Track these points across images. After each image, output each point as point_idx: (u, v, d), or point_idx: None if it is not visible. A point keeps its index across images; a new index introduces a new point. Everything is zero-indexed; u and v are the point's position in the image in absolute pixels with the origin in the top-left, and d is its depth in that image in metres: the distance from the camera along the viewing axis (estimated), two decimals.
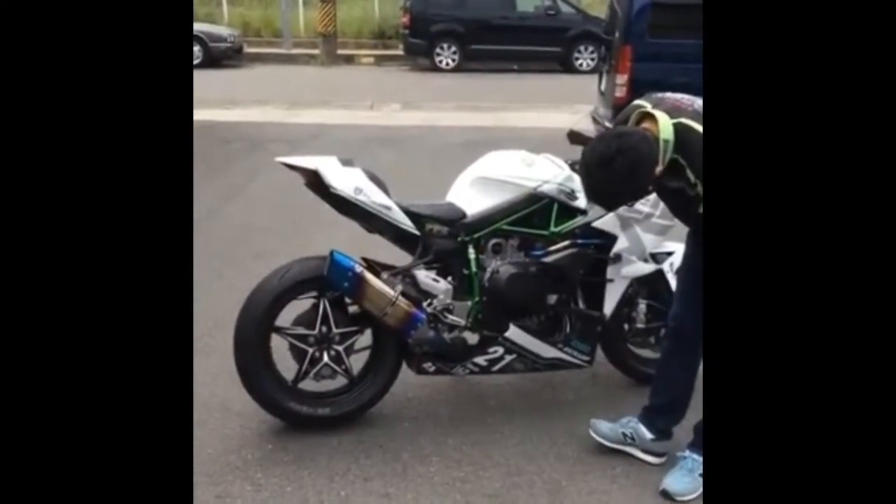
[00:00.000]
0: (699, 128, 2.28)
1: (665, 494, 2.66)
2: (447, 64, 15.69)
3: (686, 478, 2.68)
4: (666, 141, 2.31)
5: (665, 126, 2.32)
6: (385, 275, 2.93)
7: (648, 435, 2.82)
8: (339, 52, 17.04)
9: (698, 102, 2.37)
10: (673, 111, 2.36)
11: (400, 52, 16.86)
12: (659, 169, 2.33)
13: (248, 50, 17.10)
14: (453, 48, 15.61)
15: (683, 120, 2.33)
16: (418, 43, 15.65)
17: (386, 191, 2.92)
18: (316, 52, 16.88)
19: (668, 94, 2.47)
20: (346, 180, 2.83)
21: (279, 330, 2.94)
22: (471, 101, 11.80)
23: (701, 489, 2.65)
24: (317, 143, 8.41)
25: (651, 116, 2.37)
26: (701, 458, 2.66)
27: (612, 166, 2.26)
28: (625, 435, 2.86)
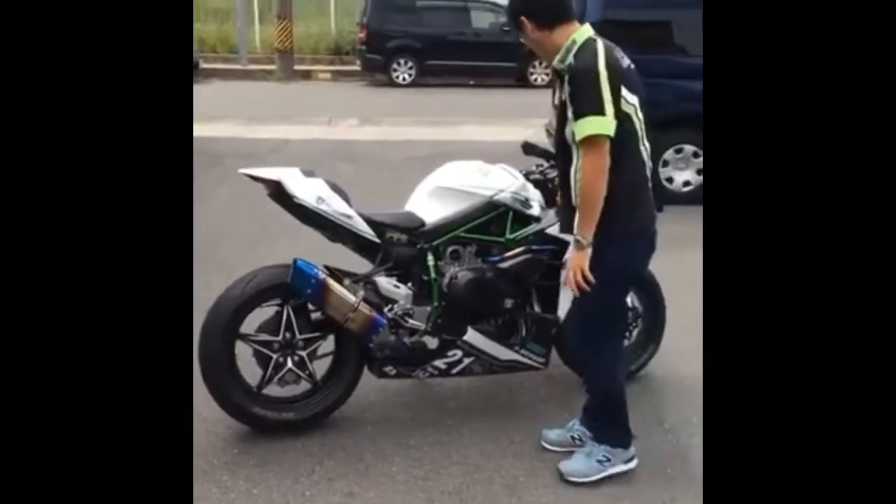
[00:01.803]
0: (602, 49, 2.51)
1: (560, 475, 2.83)
2: (404, 79, 15.81)
3: (585, 462, 2.84)
4: (574, 41, 2.56)
5: (582, 32, 2.58)
6: (347, 281, 3.03)
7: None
8: (296, 67, 17.08)
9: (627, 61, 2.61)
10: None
11: (357, 67, 16.94)
12: (558, 62, 2.59)
13: (203, 66, 17.02)
14: (410, 63, 15.74)
15: (599, 39, 2.56)
16: (375, 58, 15.75)
17: (347, 200, 3.03)
18: (272, 67, 16.89)
19: None
20: (309, 190, 2.93)
21: (244, 337, 3.02)
22: (428, 115, 11.93)
23: (598, 475, 2.80)
24: (276, 158, 8.44)
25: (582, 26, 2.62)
26: (601, 446, 2.83)
27: None
28: (573, 438, 2.98)
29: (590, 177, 2.49)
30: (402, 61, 15.72)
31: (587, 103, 2.47)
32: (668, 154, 6.85)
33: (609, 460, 2.83)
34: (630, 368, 3.57)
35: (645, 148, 2.61)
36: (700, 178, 6.92)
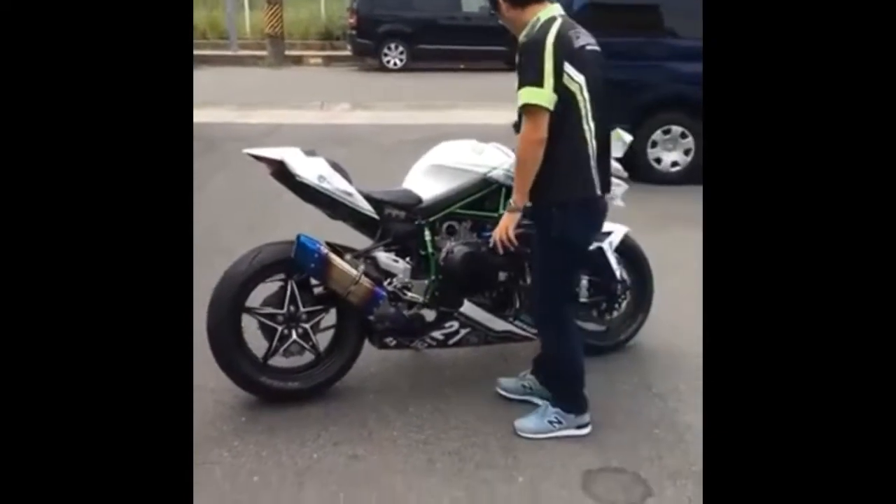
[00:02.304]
0: (557, 26, 2.67)
1: (514, 429, 3.03)
2: (395, 64, 15.90)
3: (537, 420, 3.04)
4: (538, 19, 2.73)
5: (548, 10, 2.76)
6: (348, 256, 3.16)
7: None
8: (287, 53, 17.13)
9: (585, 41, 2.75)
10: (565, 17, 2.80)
11: (347, 52, 16.99)
12: (522, 37, 2.74)
13: (195, 52, 17.03)
14: (401, 48, 15.83)
15: (561, 18, 2.72)
16: (366, 43, 15.83)
17: (348, 178, 3.15)
18: (263, 53, 16.93)
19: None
20: (311, 169, 3.06)
21: (249, 310, 3.15)
22: (419, 100, 12.04)
23: (547, 434, 2.99)
24: (270, 142, 8.44)
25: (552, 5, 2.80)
26: (554, 409, 3.02)
27: None
28: (524, 386, 3.27)
29: (524, 145, 2.68)
30: (392, 46, 15.82)
31: (528, 74, 2.64)
32: (657, 135, 6.99)
33: (560, 423, 3.01)
34: (620, 338, 3.74)
35: (589, 128, 2.73)
36: (688, 159, 7.07)
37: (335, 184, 3.08)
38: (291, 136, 9.04)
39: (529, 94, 2.63)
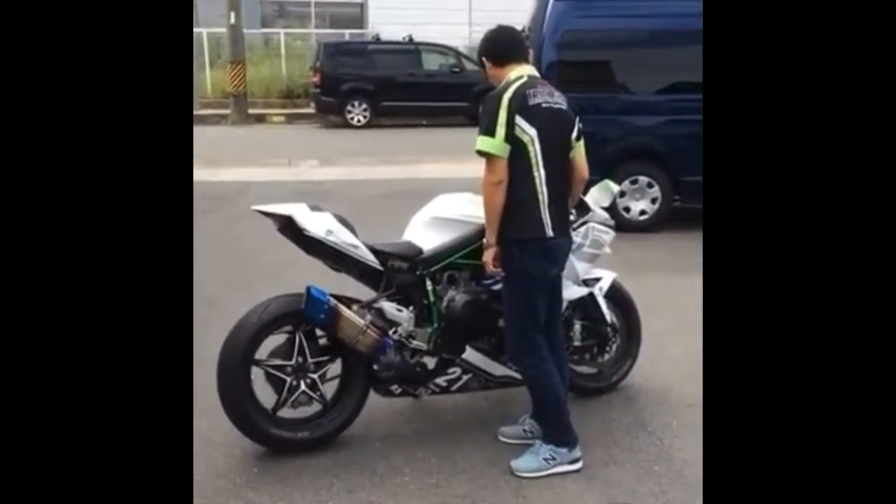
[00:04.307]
0: (518, 84, 2.98)
1: (510, 470, 3.14)
2: (358, 121, 16.16)
3: (532, 459, 3.15)
4: (510, 77, 3.05)
5: (520, 70, 3.08)
6: (354, 307, 3.26)
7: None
8: (250, 111, 17.30)
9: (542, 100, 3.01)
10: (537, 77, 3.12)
11: (310, 110, 17.23)
12: (504, 89, 2.99)
13: None
14: (364, 105, 16.12)
15: (527, 77, 3.03)
16: (330, 101, 16.09)
17: (353, 232, 3.27)
18: (226, 112, 17.08)
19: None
20: (318, 224, 3.18)
21: (258, 362, 3.22)
22: (385, 155, 12.26)
23: (543, 472, 3.11)
24: (244, 200, 8.59)
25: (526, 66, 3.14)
26: (547, 446, 3.15)
27: (490, 32, 3.21)
28: (525, 431, 3.38)
29: (484, 188, 2.99)
30: (356, 103, 16.11)
31: (484, 124, 2.97)
32: (625, 185, 7.25)
33: (554, 459, 3.13)
34: (612, 380, 3.88)
35: (539, 174, 2.98)
36: (655, 207, 7.35)
37: (342, 237, 3.20)
38: (264, 193, 9.11)
39: (481, 143, 2.95)
